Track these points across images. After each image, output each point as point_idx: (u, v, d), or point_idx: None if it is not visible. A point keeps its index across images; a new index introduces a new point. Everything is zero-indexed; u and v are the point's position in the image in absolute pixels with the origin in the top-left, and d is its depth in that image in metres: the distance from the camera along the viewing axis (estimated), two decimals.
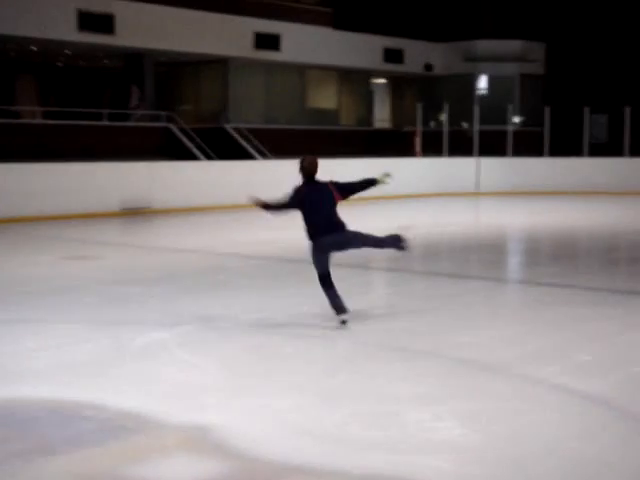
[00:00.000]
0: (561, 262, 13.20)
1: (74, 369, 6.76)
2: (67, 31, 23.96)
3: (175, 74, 30.03)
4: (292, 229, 17.81)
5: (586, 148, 27.44)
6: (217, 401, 5.95)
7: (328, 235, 8.34)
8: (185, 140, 25.47)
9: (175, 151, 24.73)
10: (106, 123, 25.08)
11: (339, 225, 8.47)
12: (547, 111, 27.75)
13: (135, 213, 20.04)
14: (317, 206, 8.37)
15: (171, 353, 7.22)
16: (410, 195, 24.98)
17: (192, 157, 24.59)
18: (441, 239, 16.12)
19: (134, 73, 27.18)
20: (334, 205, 8.45)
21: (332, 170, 26.04)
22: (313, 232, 8.36)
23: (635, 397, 6.02)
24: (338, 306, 8.18)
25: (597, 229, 17.64)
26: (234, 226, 18.53)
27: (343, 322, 8.13)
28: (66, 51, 26.91)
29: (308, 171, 8.61)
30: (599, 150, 28.08)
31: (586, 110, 27.41)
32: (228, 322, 8.43)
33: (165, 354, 7.19)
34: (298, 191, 8.59)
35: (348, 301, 8.29)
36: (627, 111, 26.77)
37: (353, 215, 21.85)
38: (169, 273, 11.94)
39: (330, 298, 8.24)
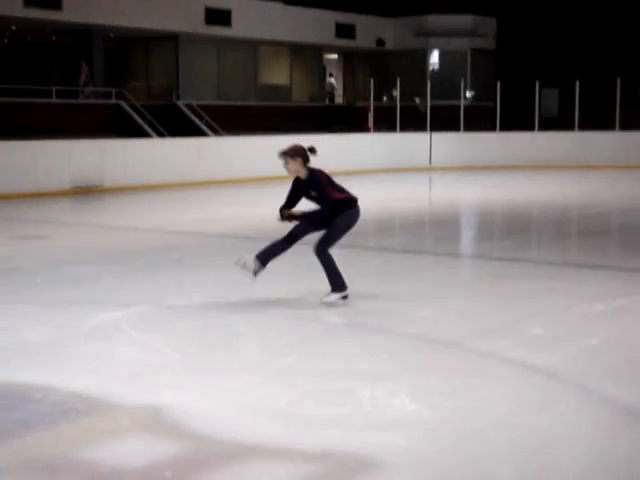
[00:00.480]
0: (514, 236, 13.30)
1: (25, 351, 6.67)
2: (12, 6, 23.55)
3: (125, 50, 29.69)
4: (247, 205, 17.80)
5: (537, 122, 27.64)
6: (171, 381, 5.91)
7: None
8: (136, 117, 25.23)
9: (126, 128, 24.48)
10: (55, 100, 24.73)
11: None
12: (498, 86, 27.89)
13: (86, 192, 19.82)
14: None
15: (124, 333, 7.16)
16: (363, 171, 24.99)
17: (143, 134, 24.38)
18: (394, 215, 16.15)
19: (83, 49, 26.82)
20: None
21: (284, 146, 25.86)
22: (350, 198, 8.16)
23: (587, 370, 6.09)
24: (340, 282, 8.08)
25: (549, 203, 17.81)
26: (188, 204, 18.41)
27: (344, 297, 8.11)
28: (12, 27, 26.46)
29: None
30: (550, 124, 28.32)
31: (537, 84, 27.58)
32: (182, 301, 8.38)
33: (118, 334, 7.12)
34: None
35: (302, 279, 8.27)
36: (577, 85, 26.99)
37: None
38: (122, 252, 11.83)
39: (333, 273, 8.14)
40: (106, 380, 5.90)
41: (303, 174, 8.10)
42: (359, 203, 8.16)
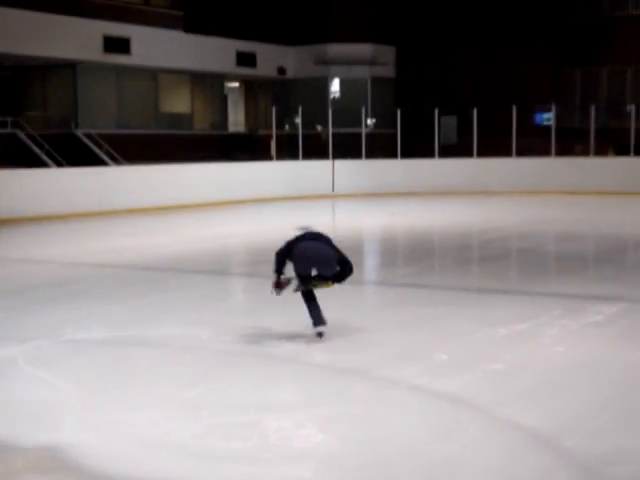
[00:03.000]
0: (416, 262, 13.40)
1: None
2: None
3: (21, 79, 29.06)
4: (147, 235, 17.55)
5: (437, 149, 28.07)
6: (71, 419, 5.71)
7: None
8: (33, 146, 24.69)
9: (23, 158, 23.92)
10: None
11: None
12: (399, 113, 28.23)
13: None
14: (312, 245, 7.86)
15: (20, 370, 6.91)
16: (266, 199, 24.94)
17: (41, 164, 23.85)
18: None
19: None
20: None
21: (187, 175, 25.73)
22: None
23: (492, 395, 6.12)
24: (317, 317, 7.77)
25: (450, 229, 18.03)
26: (87, 234, 18.03)
27: (319, 334, 7.75)
28: None
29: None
30: (450, 150, 28.79)
31: (436, 112, 28.04)
32: (82, 335, 8.15)
33: (14, 371, 6.87)
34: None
35: (205, 310, 8.13)
36: (474, 112, 27.52)
37: (209, 219, 21.66)
38: (19, 285, 11.49)
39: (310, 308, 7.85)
40: (1, 420, 5.67)
41: None
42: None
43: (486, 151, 27.37)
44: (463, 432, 5.38)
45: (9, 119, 25.47)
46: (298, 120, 28.46)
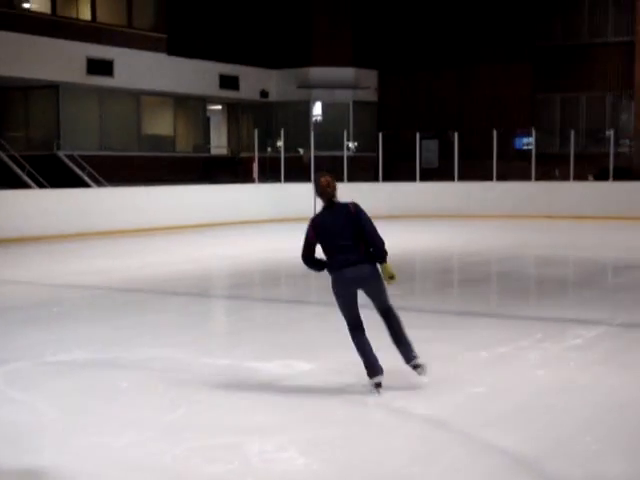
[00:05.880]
0: (398, 285, 13.39)
1: None
2: None
3: (3, 99, 29.01)
4: (129, 257, 17.51)
5: (419, 172, 28.19)
6: (52, 442, 5.69)
7: (351, 267, 6.81)
8: (15, 167, 24.62)
9: (4, 179, 23.83)
10: None
11: (364, 256, 6.89)
12: (380, 137, 28.36)
13: None
14: (332, 231, 6.87)
15: (0, 392, 6.87)
16: (248, 221, 24.94)
17: (23, 185, 23.77)
18: (280, 265, 16.12)
19: None
20: (355, 229, 6.88)
21: (169, 197, 25.71)
22: (330, 262, 6.92)
23: (474, 418, 6.14)
24: (370, 365, 6.81)
25: (431, 252, 18.09)
26: (68, 256, 17.97)
27: (377, 385, 6.75)
28: None
29: (324, 192, 7.11)
30: (431, 174, 28.92)
31: (417, 135, 28.18)
32: (62, 357, 8.12)
33: None
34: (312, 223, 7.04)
35: (188, 332, 8.11)
36: (455, 136, 27.69)
37: (191, 242, 21.59)
38: None
39: (361, 353, 6.86)
40: None
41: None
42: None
43: (467, 175, 27.53)
44: (444, 455, 5.39)
45: None
46: (280, 143, 28.53)
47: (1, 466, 5.20)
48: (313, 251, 7.00)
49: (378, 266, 6.97)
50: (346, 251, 6.80)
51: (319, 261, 7.07)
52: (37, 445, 5.60)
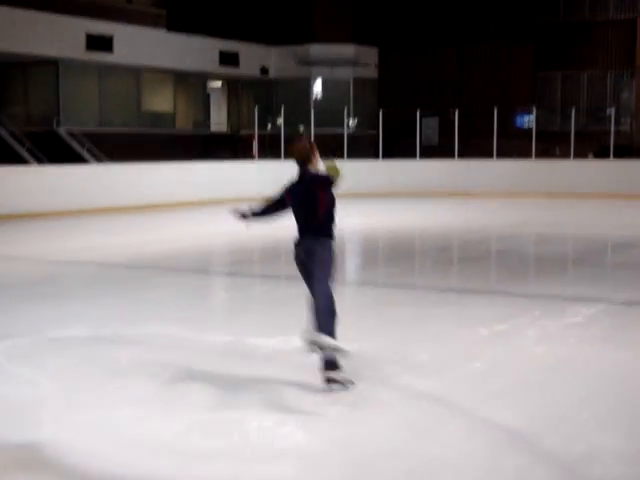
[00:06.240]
0: (398, 263, 13.44)
1: None
2: None
3: (3, 75, 28.92)
4: (129, 233, 17.51)
5: (419, 150, 28.14)
6: (52, 417, 5.70)
7: (305, 241, 6.73)
8: (14, 144, 24.57)
9: (4, 155, 23.80)
10: None
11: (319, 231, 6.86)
12: (381, 114, 28.29)
13: None
14: (298, 201, 6.91)
15: (1, 368, 6.89)
16: (247, 198, 24.88)
17: (22, 161, 23.74)
18: (279, 242, 16.12)
19: None
20: (317, 204, 6.88)
21: (168, 174, 25.67)
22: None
23: (472, 394, 6.15)
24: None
25: (431, 229, 18.09)
26: (68, 232, 17.97)
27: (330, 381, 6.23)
28: None
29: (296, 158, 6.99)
30: (431, 151, 28.88)
31: (418, 113, 28.11)
32: (63, 333, 8.13)
33: None
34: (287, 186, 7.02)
35: (189, 306, 8.09)
36: (456, 113, 27.62)
37: (190, 218, 21.61)
38: None
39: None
40: None
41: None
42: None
43: (467, 152, 27.48)
44: (443, 432, 5.40)
45: None
46: (280, 120, 28.46)
47: (1, 441, 5.22)
48: (275, 206, 7.16)
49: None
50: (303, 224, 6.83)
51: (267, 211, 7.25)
52: (36, 420, 5.62)
